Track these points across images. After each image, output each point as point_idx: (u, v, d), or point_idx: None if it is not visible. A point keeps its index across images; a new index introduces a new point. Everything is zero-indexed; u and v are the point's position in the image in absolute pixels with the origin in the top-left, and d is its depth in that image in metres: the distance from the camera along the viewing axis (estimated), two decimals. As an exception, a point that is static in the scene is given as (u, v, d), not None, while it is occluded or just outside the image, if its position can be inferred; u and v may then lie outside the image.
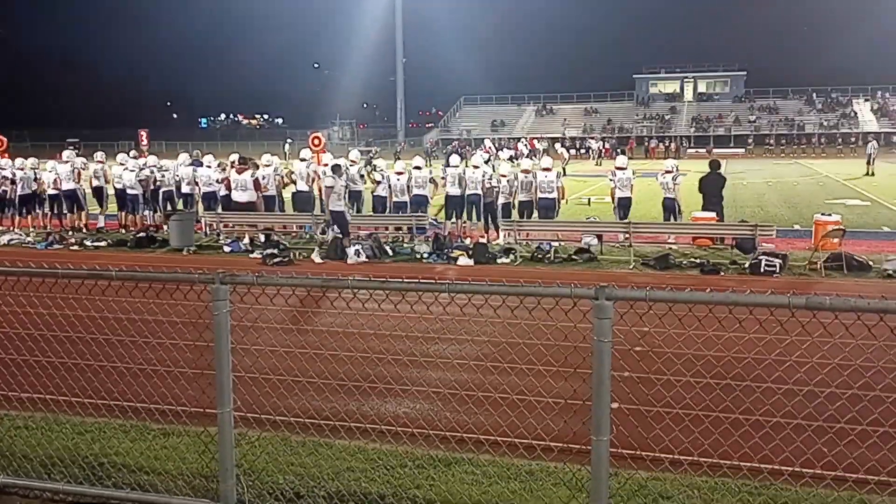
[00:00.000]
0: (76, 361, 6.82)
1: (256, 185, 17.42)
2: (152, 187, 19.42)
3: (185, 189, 19.24)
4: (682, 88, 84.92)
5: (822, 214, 15.75)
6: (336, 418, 5.93)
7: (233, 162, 18.72)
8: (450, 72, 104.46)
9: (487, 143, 54.76)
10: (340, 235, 15.43)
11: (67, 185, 19.39)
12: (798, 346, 4.34)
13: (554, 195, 16.44)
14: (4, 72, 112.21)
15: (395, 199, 17.34)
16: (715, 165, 16.97)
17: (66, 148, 22.98)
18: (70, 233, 18.94)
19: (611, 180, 17.15)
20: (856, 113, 73.99)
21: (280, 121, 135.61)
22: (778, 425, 5.13)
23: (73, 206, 19.70)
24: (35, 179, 19.68)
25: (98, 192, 20.33)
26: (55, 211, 19.96)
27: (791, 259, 13.91)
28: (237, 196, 17.35)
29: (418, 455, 5.43)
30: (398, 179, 17.38)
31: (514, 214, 16.55)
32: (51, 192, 19.68)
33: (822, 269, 13.31)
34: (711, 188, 16.36)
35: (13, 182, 19.43)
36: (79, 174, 19.71)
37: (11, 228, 19.36)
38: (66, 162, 19.71)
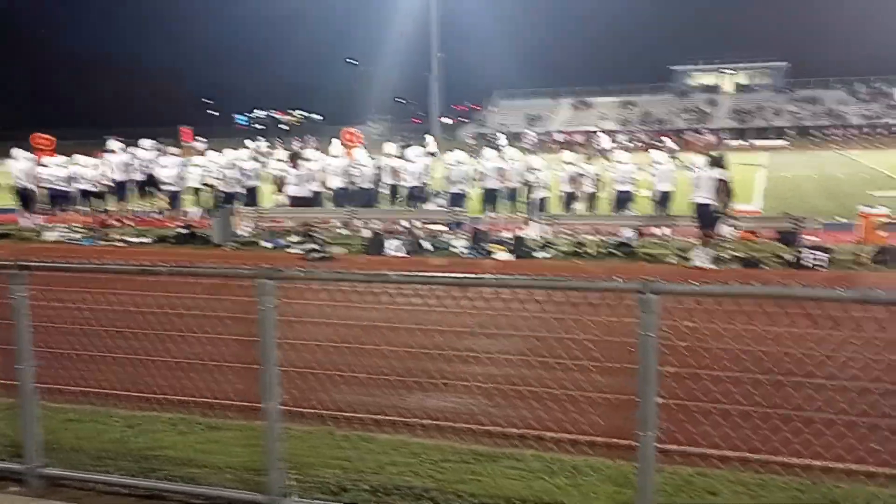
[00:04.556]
0: (125, 355, 6.95)
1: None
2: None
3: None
4: (721, 80, 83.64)
5: (868, 206, 15.41)
6: (379, 412, 5.96)
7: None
8: (484, 66, 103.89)
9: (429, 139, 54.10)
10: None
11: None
12: (850, 340, 4.26)
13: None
14: (47, 72, 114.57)
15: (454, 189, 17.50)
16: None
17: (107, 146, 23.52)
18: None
19: (653, 175, 17.02)
20: (901, 103, 72.29)
21: (316, 117, 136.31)
22: (830, 421, 5.04)
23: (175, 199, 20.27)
24: (70, 179, 20.21)
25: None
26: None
27: (836, 252, 13.64)
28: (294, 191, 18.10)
29: (462, 449, 5.42)
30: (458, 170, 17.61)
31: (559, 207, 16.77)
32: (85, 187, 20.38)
33: (869, 262, 13.04)
34: None
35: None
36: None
37: (58, 224, 19.91)
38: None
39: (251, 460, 5.19)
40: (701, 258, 13.44)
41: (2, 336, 4.98)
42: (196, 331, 6.37)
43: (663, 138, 53.60)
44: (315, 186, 18.36)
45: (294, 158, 19.18)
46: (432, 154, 18.57)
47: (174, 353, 7.10)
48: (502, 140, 23.53)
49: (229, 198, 18.57)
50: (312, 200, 18.44)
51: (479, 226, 16.77)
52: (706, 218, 13.82)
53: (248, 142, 23.54)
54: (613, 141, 56.20)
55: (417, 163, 18.25)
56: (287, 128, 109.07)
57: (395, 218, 17.88)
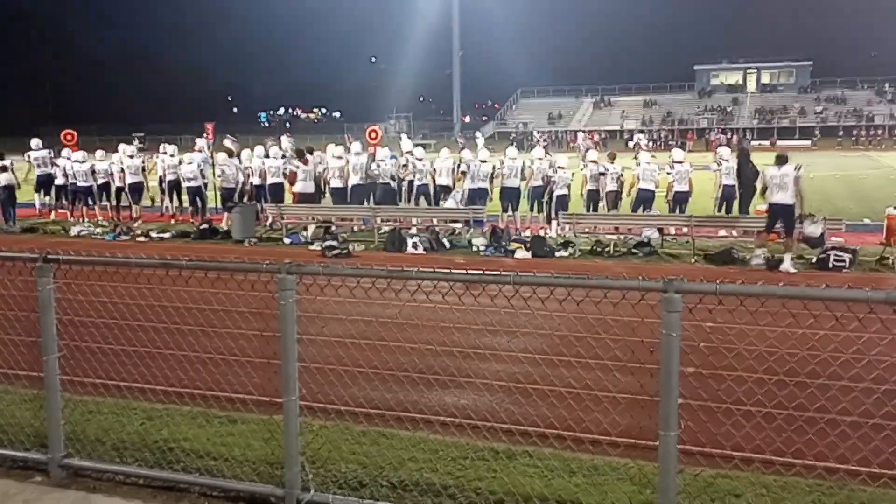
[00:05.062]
0: (146, 349, 7.01)
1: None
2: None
3: (255, 181, 19.44)
4: (744, 79, 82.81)
5: (894, 208, 15.18)
6: (398, 409, 5.96)
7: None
8: (506, 64, 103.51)
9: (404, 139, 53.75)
10: None
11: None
12: (877, 342, 4.19)
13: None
14: (72, 69, 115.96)
15: (474, 186, 17.52)
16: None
17: (130, 142, 23.74)
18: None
19: (668, 174, 16.88)
20: (929, 103, 71.20)
21: (338, 114, 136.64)
22: (855, 424, 4.96)
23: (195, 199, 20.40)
24: (93, 172, 20.37)
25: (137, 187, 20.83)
26: (123, 202, 20.76)
27: (861, 254, 13.47)
28: (300, 187, 18.04)
29: (481, 447, 5.41)
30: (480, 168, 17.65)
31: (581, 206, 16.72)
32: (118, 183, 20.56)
33: (895, 264, 12.87)
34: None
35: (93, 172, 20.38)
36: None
37: (81, 220, 20.11)
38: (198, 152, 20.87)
39: (269, 454, 5.22)
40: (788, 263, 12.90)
41: (28, 328, 5.02)
42: (216, 325, 6.40)
43: (638, 136, 53.48)
44: (336, 183, 18.36)
45: (301, 155, 19.17)
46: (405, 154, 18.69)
47: (194, 346, 7.14)
48: (480, 140, 24.03)
49: (230, 194, 18.58)
50: (318, 197, 18.52)
51: (498, 224, 16.74)
52: (790, 220, 13.22)
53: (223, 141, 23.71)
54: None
55: (426, 161, 18.32)
56: (290, 125, 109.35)
57: (413, 215, 17.87)
